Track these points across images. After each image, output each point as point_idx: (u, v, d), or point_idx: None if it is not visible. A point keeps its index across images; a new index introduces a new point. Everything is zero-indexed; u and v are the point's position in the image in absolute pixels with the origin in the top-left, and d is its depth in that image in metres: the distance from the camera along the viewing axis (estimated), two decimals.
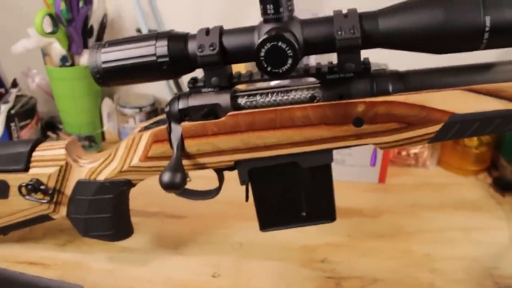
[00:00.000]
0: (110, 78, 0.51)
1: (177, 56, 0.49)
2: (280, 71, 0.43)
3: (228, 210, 0.80)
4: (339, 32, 0.43)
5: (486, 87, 0.45)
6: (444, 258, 0.70)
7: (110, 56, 0.50)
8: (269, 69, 0.44)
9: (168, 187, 0.49)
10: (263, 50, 0.43)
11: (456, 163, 0.95)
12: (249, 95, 0.51)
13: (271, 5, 0.44)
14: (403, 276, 0.66)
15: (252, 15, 0.53)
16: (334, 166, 0.53)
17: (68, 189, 0.62)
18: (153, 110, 1.10)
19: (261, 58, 0.43)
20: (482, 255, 0.71)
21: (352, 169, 0.89)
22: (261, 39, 0.43)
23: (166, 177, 0.49)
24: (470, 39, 0.42)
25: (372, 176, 0.89)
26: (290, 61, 0.43)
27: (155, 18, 1.04)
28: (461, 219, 0.80)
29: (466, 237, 0.76)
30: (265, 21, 0.46)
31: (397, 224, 0.78)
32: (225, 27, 0.49)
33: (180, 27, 0.53)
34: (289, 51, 0.42)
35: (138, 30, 1.03)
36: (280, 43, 0.42)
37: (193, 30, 0.50)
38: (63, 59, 1.00)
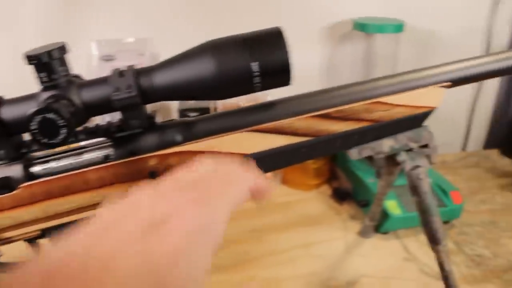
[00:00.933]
0: None
1: None
2: (56, 141, 0.42)
3: None
4: (115, 93, 0.43)
5: (269, 126, 0.48)
6: (286, 279, 0.73)
7: None
8: (44, 141, 0.42)
9: None
10: (34, 123, 0.41)
11: (298, 179, 1.00)
12: (43, 162, 0.49)
13: (44, 73, 0.43)
14: None
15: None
16: None
17: None
18: None
19: (34, 131, 0.41)
20: (320, 268, 0.75)
21: None
22: (29, 112, 0.41)
23: None
24: (243, 85, 0.44)
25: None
26: (63, 130, 0.41)
27: None
28: (303, 236, 0.84)
29: (307, 253, 0.79)
30: (44, 88, 0.44)
31: (241, 252, 0.80)
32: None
33: None
34: (60, 121, 0.41)
35: None
36: (49, 115, 0.41)
37: None
38: None
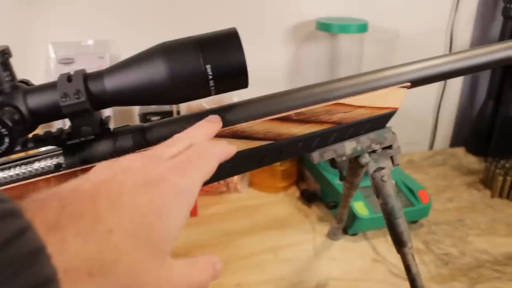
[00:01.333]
0: None
1: None
2: (0, 151, 0.40)
3: None
4: (63, 99, 0.41)
5: (225, 131, 0.46)
6: (254, 284, 0.72)
7: None
8: None
9: None
10: None
11: (265, 182, 0.98)
12: None
13: None
14: None
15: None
16: None
17: None
18: None
19: None
20: (289, 272, 0.74)
21: None
22: None
23: None
24: (197, 88, 0.42)
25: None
26: (7, 139, 0.39)
27: None
28: (271, 240, 0.82)
29: (275, 257, 0.78)
30: None
31: None
32: None
33: None
34: (3, 130, 0.39)
35: None
36: None
37: None
38: None
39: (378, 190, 0.54)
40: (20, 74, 0.43)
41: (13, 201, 0.22)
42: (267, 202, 0.95)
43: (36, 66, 0.93)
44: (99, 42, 0.91)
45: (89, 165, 0.45)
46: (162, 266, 0.28)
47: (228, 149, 0.39)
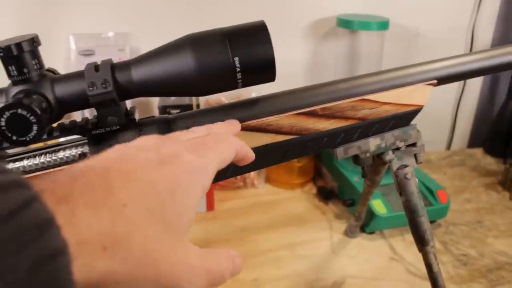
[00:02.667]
0: None
1: None
2: (27, 139, 0.40)
3: None
4: (91, 88, 0.41)
5: (252, 124, 0.46)
6: (271, 280, 0.71)
7: None
8: (14, 138, 0.40)
9: None
10: (3, 119, 0.39)
11: (282, 178, 0.98)
12: (15, 160, 0.46)
13: (12, 67, 0.40)
14: None
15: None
16: None
17: None
18: None
19: (2, 128, 0.39)
20: (305, 269, 0.74)
21: None
22: None
23: None
24: (224, 81, 0.42)
25: (199, 206, 0.88)
26: (35, 127, 0.39)
27: None
28: (288, 236, 0.82)
29: (292, 253, 0.78)
30: (13, 83, 0.41)
31: None
32: None
33: None
34: (31, 118, 0.39)
35: None
36: (19, 111, 0.38)
37: None
38: None
39: (401, 188, 0.54)
40: None
41: (19, 174, 0.22)
42: (284, 198, 0.95)
43: (57, 57, 0.93)
44: (119, 35, 0.91)
45: None
46: (178, 245, 0.27)
47: (247, 148, 0.38)
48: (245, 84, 0.44)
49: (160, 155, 0.29)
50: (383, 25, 0.92)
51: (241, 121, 0.46)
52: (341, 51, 1.01)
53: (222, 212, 0.89)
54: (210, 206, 0.88)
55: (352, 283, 0.71)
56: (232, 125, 0.44)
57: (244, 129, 0.46)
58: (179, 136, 0.35)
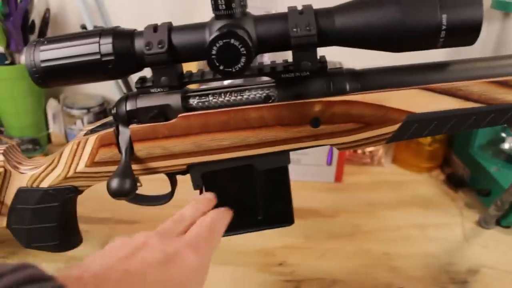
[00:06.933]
0: (50, 78, 0.46)
1: (123, 54, 0.45)
2: (233, 70, 0.41)
3: None
4: (294, 29, 0.41)
5: (442, 86, 0.45)
6: (402, 257, 0.70)
7: (50, 54, 0.46)
8: (221, 68, 0.41)
9: (116, 194, 0.46)
10: (214, 48, 0.40)
11: (410, 160, 0.96)
12: (201, 95, 0.49)
13: (222, 0, 0.42)
14: (363, 277, 0.66)
15: (204, 11, 0.50)
16: (289, 166, 0.51)
17: (8, 198, 0.57)
18: (102, 111, 1.05)
19: (213, 56, 0.41)
20: (438, 252, 0.72)
21: (308, 168, 0.88)
22: (212, 36, 0.40)
23: (115, 183, 0.45)
24: (427, 38, 0.41)
25: (328, 176, 0.89)
26: (243, 59, 0.40)
27: (101, 14, 0.99)
28: (417, 217, 0.80)
29: (423, 234, 0.76)
30: (217, 17, 0.43)
31: (354, 223, 0.77)
32: (175, 24, 0.46)
33: (127, 24, 0.50)
34: (242, 49, 0.40)
35: (83, 27, 0.97)
36: (232, 41, 0.40)
37: (141, 27, 0.47)
38: (1, 57, 0.94)
39: None
40: None
41: (43, 270, 0.26)
42: (411, 180, 0.93)
43: None
44: None
45: (303, 101, 0.45)
46: None
47: (224, 215, 0.46)
48: (445, 45, 0.42)
49: (164, 254, 0.35)
50: None
51: (429, 82, 0.45)
52: (491, 34, 0.95)
53: (350, 184, 0.89)
54: (338, 177, 0.88)
55: (488, 273, 0.68)
56: (210, 201, 0.48)
57: (431, 90, 0.45)
58: (173, 229, 0.41)
